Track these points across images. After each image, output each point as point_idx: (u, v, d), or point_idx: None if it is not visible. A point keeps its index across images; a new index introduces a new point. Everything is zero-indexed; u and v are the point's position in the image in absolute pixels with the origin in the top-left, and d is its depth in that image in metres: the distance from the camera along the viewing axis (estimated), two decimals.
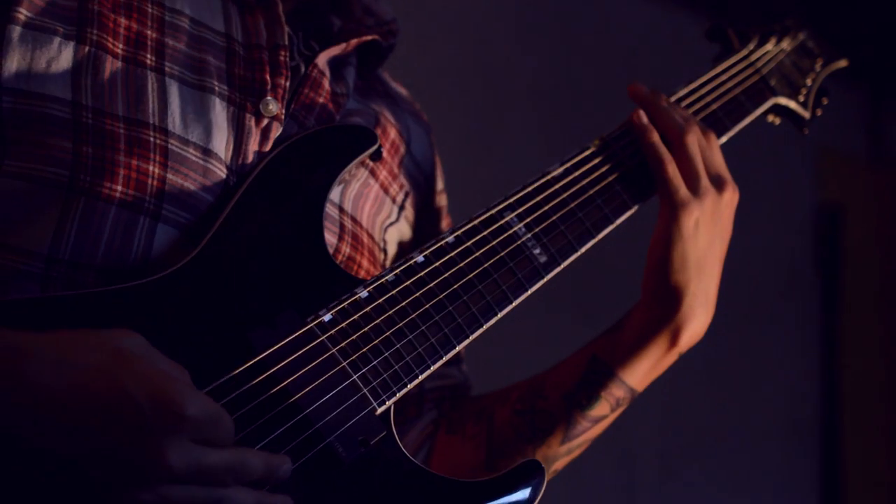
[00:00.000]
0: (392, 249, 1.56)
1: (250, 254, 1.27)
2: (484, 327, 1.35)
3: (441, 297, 1.33)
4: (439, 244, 1.36)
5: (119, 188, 1.22)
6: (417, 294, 1.31)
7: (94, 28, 1.26)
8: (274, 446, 1.16)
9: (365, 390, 1.24)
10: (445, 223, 1.70)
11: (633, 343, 1.50)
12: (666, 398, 3.74)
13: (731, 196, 1.50)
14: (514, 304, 1.38)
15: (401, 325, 1.29)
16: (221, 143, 1.31)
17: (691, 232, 1.46)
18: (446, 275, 1.34)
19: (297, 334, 1.22)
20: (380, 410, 1.24)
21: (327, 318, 1.25)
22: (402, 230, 1.58)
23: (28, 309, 1.12)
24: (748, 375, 4.51)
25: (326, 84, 1.44)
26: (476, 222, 1.40)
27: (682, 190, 1.47)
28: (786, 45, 1.79)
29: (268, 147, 1.35)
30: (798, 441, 4.73)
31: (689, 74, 1.65)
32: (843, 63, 1.88)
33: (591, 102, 3.74)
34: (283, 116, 1.36)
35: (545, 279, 1.41)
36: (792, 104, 1.76)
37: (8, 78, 1.21)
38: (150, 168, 1.24)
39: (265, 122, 1.34)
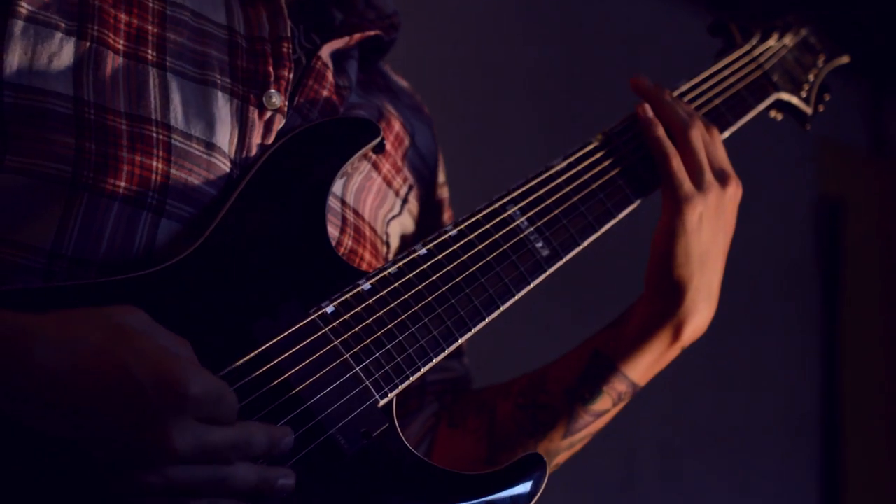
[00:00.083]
0: (395, 242, 1.56)
1: (253, 246, 1.27)
2: (486, 320, 1.35)
3: (443, 289, 1.33)
4: (442, 237, 1.36)
5: (122, 184, 1.22)
6: (420, 287, 1.32)
7: (95, 24, 1.26)
8: None
9: (367, 382, 1.24)
10: (447, 216, 1.70)
11: (636, 337, 1.50)
12: (666, 393, 3.74)
13: (734, 190, 1.51)
14: (516, 297, 1.38)
15: (403, 317, 1.29)
16: (225, 136, 1.31)
17: (695, 226, 1.46)
18: (449, 268, 1.34)
19: (299, 326, 1.22)
20: (382, 403, 1.25)
21: (330, 309, 1.25)
22: (404, 223, 1.58)
23: (30, 298, 1.12)
24: (748, 369, 4.51)
25: (330, 76, 1.44)
26: (479, 216, 1.40)
27: (687, 184, 1.47)
28: (788, 40, 1.79)
29: (271, 140, 1.34)
30: (798, 436, 4.74)
31: (692, 70, 1.65)
32: (845, 59, 1.88)
33: (593, 97, 3.74)
34: (286, 109, 1.36)
35: (547, 273, 1.41)
36: (794, 100, 1.77)
37: (9, 73, 1.20)
38: (154, 163, 1.24)
39: (268, 114, 1.34)
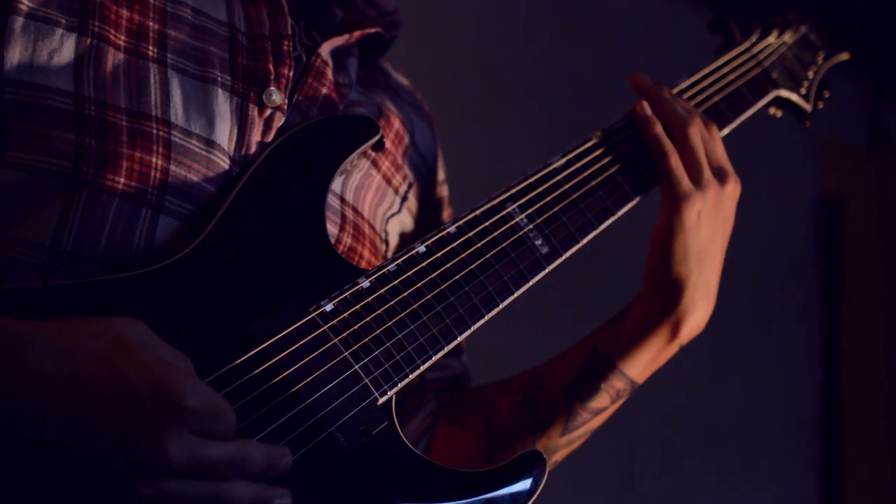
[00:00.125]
0: (394, 240, 1.56)
1: (252, 244, 1.27)
2: (485, 318, 1.35)
3: (443, 287, 1.33)
4: (441, 234, 1.36)
5: (122, 180, 1.22)
6: (419, 284, 1.31)
7: (97, 20, 1.26)
8: (275, 436, 1.16)
9: (366, 380, 1.24)
10: (447, 214, 1.70)
11: (634, 335, 1.50)
12: (666, 391, 3.74)
13: (733, 188, 1.51)
14: (515, 294, 1.38)
15: (402, 315, 1.29)
16: (224, 133, 1.31)
17: (693, 224, 1.46)
18: (448, 265, 1.34)
19: (298, 324, 1.22)
20: (381, 400, 1.25)
21: (329, 307, 1.25)
22: (403, 221, 1.58)
23: (29, 298, 1.12)
24: (748, 368, 4.51)
25: (330, 74, 1.44)
26: (478, 213, 1.40)
27: (685, 181, 1.47)
28: (788, 37, 1.79)
29: (270, 137, 1.34)
30: (798, 432, 4.74)
31: (691, 67, 1.65)
32: (844, 56, 1.88)
33: (592, 94, 3.74)
34: (286, 107, 1.36)
35: (547, 270, 1.41)
36: (794, 97, 1.77)
37: (10, 69, 1.20)
38: (154, 160, 1.24)
39: (268, 112, 1.34)
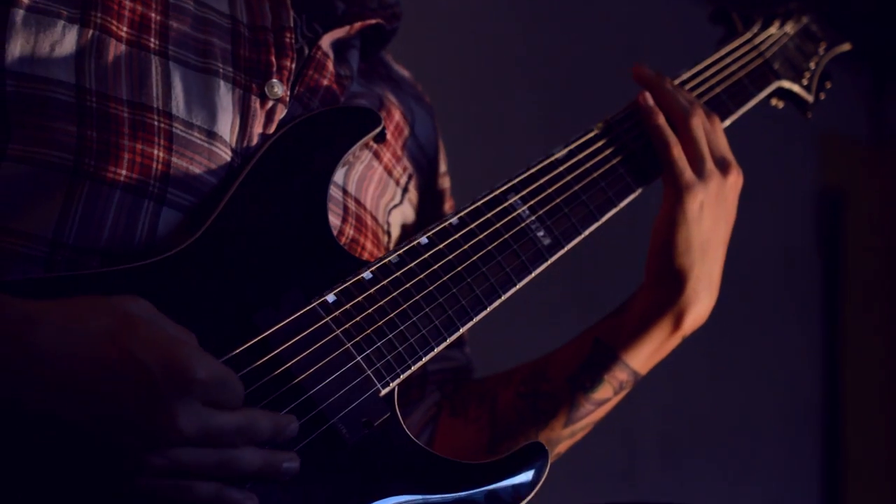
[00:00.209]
0: (396, 232, 1.56)
1: (254, 235, 1.27)
2: (488, 309, 1.35)
3: (445, 279, 1.33)
4: (443, 226, 1.36)
5: (124, 172, 1.22)
6: (421, 276, 1.31)
7: (99, 11, 1.26)
8: None
9: (369, 372, 1.24)
10: (448, 205, 1.70)
11: (637, 326, 1.50)
12: (668, 385, 3.74)
13: (735, 179, 1.50)
14: (517, 286, 1.38)
15: (405, 306, 1.29)
16: (226, 125, 1.30)
17: (696, 215, 1.46)
18: (450, 257, 1.34)
19: (300, 314, 1.22)
20: (384, 392, 1.25)
21: (331, 298, 1.25)
22: (405, 212, 1.58)
23: (32, 288, 1.12)
24: (749, 361, 4.51)
25: (331, 66, 1.43)
26: (480, 204, 1.40)
27: (687, 172, 1.47)
28: (789, 28, 1.79)
29: (272, 129, 1.34)
30: (799, 425, 4.75)
31: (693, 58, 1.65)
32: (846, 47, 1.87)
33: (594, 85, 3.73)
34: (287, 99, 1.36)
35: (549, 262, 1.41)
36: (795, 88, 1.76)
37: (11, 61, 1.20)
38: (155, 152, 1.24)
39: (270, 104, 1.34)
